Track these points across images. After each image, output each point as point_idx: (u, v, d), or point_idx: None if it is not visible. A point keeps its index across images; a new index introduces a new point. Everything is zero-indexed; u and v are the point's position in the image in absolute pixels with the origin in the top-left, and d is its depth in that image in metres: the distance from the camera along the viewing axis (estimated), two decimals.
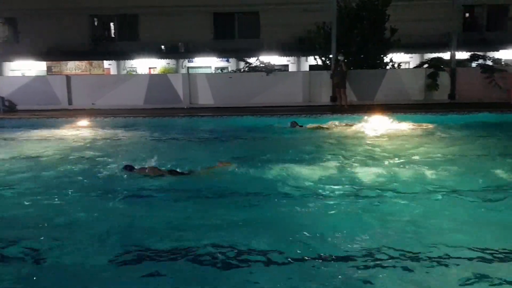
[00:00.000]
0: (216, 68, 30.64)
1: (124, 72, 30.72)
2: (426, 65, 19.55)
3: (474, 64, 20.57)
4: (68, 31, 28.92)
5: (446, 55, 20.53)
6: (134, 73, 29.99)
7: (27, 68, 30.68)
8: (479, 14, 29.30)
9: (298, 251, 4.74)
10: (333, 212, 5.98)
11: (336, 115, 15.11)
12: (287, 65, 30.12)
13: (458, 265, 4.43)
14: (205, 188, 7.04)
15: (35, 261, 4.74)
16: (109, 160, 9.16)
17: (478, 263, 4.46)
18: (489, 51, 24.82)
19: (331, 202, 6.33)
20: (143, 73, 29.90)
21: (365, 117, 14.36)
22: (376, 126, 13.26)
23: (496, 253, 4.59)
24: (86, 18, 30.17)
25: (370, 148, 10.27)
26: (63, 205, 6.43)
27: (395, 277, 4.27)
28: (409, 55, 27.93)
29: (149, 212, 6.20)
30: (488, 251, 4.62)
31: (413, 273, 4.30)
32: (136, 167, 7.90)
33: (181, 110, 17.75)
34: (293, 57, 29.81)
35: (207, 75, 22.20)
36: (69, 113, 16.80)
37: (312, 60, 23.69)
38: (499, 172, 7.67)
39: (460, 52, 20.92)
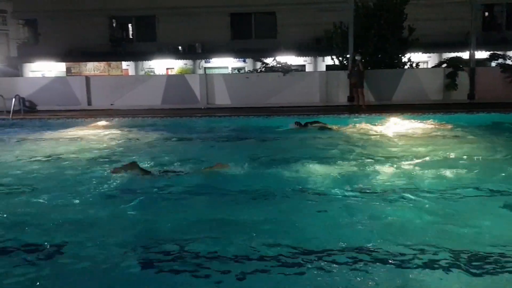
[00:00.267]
0: (233, 69, 30.71)
1: (142, 72, 30.97)
2: (444, 65, 19.32)
3: (493, 64, 20.30)
4: (87, 33, 29.26)
5: (465, 55, 20.29)
6: (152, 73, 30.20)
7: (47, 69, 31.11)
8: (498, 13, 28.93)
9: (318, 249, 4.77)
10: (356, 212, 5.98)
11: (354, 115, 15.06)
12: (304, 65, 30.04)
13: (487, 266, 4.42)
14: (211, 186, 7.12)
15: (52, 260, 4.83)
16: (126, 159, 9.27)
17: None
18: (509, 50, 24.47)
19: (353, 202, 6.35)
20: (160, 73, 30.09)
21: (383, 117, 14.32)
22: (394, 126, 13.21)
23: None
24: (105, 19, 30.47)
25: (385, 148, 10.23)
26: (78, 204, 6.54)
27: (419, 277, 4.28)
28: (428, 54, 27.64)
29: (164, 210, 6.31)
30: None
31: (442, 272, 4.31)
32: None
33: (198, 110, 17.84)
34: (310, 57, 29.72)
35: (224, 75, 22.27)
36: (89, 114, 17.01)
37: (329, 60, 23.59)
38: None
39: (479, 52, 20.67)
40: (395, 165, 8.39)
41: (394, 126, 13.27)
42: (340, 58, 20.14)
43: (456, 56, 20.34)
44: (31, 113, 18.07)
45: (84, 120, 15.57)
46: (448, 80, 18.15)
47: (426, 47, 23.99)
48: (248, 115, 15.59)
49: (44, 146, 11.48)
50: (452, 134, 11.88)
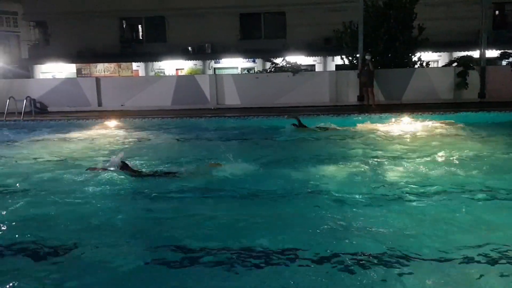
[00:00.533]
0: (243, 69, 30.75)
1: (152, 73, 31.09)
2: (455, 64, 19.20)
3: (504, 62, 20.14)
4: (97, 34, 29.44)
5: (475, 54, 20.16)
6: (162, 74, 30.32)
7: (57, 70, 31.36)
8: (509, 11, 28.70)
9: (332, 249, 4.77)
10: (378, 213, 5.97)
11: (364, 114, 15.02)
12: (314, 65, 30.02)
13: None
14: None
15: (66, 259, 4.87)
16: (138, 160, 9.32)
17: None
18: None
19: (364, 202, 6.34)
20: (170, 74, 30.20)
21: (393, 117, 14.26)
22: (404, 125, 13.18)
23: None
24: (115, 20, 30.67)
25: (394, 148, 10.20)
26: (87, 205, 6.60)
27: (433, 276, 4.27)
28: (438, 53, 27.51)
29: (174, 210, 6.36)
30: None
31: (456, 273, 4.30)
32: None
33: (208, 110, 17.87)
34: (319, 57, 29.70)
35: (234, 75, 22.29)
36: (99, 115, 17.10)
37: (338, 60, 23.56)
38: None
39: (490, 50, 20.52)
40: (404, 165, 8.38)
41: (405, 125, 13.22)
42: (350, 58, 20.11)
43: (467, 55, 20.20)
44: (42, 114, 18.18)
45: (94, 121, 15.64)
46: (459, 79, 18.04)
47: (436, 46, 23.88)
48: (258, 115, 15.59)
49: (55, 147, 11.57)
50: (463, 133, 11.80)
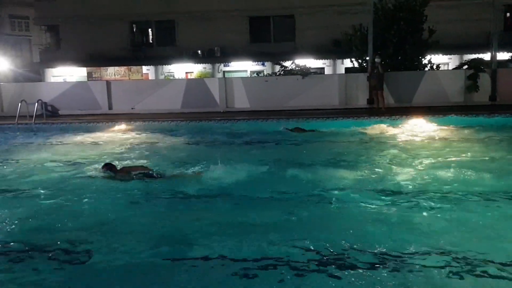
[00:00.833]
0: (252, 72, 30.82)
1: (162, 77, 31.26)
2: (465, 66, 19.11)
3: None
4: (108, 38, 29.68)
5: (486, 56, 20.04)
6: (171, 78, 30.47)
7: (68, 74, 31.63)
8: None
9: (348, 253, 4.77)
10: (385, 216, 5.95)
11: (374, 117, 14.97)
12: (323, 68, 30.01)
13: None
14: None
15: (80, 261, 4.91)
16: (148, 163, 9.37)
17: None
18: None
19: (376, 205, 6.33)
20: (180, 77, 30.34)
21: (403, 120, 14.21)
22: (415, 128, 13.12)
23: None
24: (126, 24, 30.90)
25: (404, 151, 10.16)
26: (98, 207, 6.65)
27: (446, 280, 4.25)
28: (448, 56, 27.40)
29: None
30: None
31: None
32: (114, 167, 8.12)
33: (218, 114, 17.91)
34: (328, 60, 29.70)
35: (243, 79, 22.32)
36: (110, 118, 17.19)
37: (348, 63, 23.53)
38: None
39: (501, 53, 20.39)
40: (416, 168, 8.34)
41: (415, 128, 13.17)
42: (360, 61, 20.06)
43: (478, 58, 20.10)
44: (53, 117, 18.32)
45: (105, 124, 15.73)
46: (469, 81, 17.94)
47: (446, 49, 23.78)
48: (267, 119, 15.59)
49: (66, 150, 11.63)
50: (474, 136, 11.73)
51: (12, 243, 5.36)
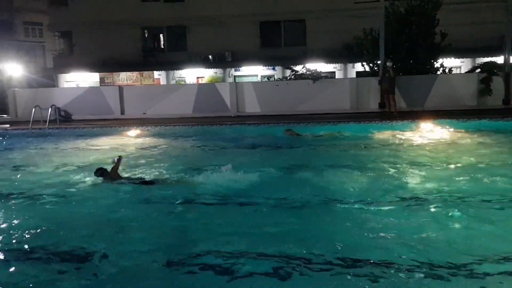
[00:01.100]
0: (263, 77, 30.85)
1: (173, 82, 31.41)
2: (478, 70, 18.97)
3: None
4: (120, 43, 29.96)
5: (499, 59, 19.88)
6: (183, 82, 30.62)
7: (81, 79, 31.93)
8: None
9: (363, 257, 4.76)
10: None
11: (385, 122, 14.92)
12: (334, 72, 29.97)
13: None
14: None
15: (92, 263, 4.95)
16: (159, 167, 9.42)
17: None
18: None
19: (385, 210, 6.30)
20: (191, 82, 30.48)
21: (415, 124, 14.14)
22: (426, 133, 13.05)
23: None
24: (137, 30, 31.16)
25: (416, 155, 10.11)
26: (110, 211, 6.70)
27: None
28: (461, 59, 27.20)
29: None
30: None
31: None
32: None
33: (229, 118, 17.95)
34: (339, 64, 29.65)
35: (254, 83, 22.37)
36: (122, 123, 17.32)
37: (359, 67, 23.49)
38: None
39: None
40: (425, 173, 8.29)
41: (427, 133, 13.09)
42: (371, 65, 20.01)
43: (490, 61, 19.95)
44: (66, 122, 18.50)
45: (117, 129, 15.85)
46: (482, 85, 17.81)
47: (459, 52, 23.65)
48: (278, 123, 15.60)
49: (79, 155, 11.74)
50: (487, 140, 11.62)
51: (25, 246, 5.43)
